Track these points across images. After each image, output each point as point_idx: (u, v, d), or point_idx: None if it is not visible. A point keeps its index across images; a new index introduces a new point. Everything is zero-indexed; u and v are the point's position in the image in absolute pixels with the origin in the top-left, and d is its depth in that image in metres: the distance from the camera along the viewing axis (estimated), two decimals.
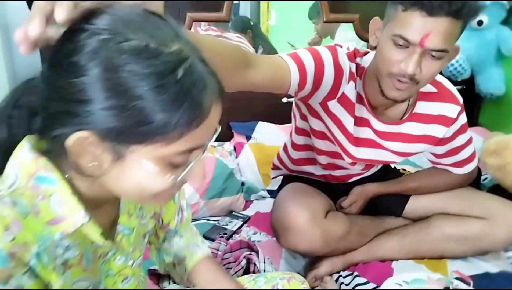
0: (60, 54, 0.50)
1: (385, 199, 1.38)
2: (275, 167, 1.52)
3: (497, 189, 1.52)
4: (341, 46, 1.14)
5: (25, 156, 0.55)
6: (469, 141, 1.26)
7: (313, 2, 2.65)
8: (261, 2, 3.92)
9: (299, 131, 1.34)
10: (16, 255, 0.49)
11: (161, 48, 0.49)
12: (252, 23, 3.34)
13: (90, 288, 0.63)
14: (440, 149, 1.25)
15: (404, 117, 1.18)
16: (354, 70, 1.13)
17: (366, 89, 1.14)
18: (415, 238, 1.31)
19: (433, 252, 1.30)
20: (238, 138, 1.80)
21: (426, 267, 1.27)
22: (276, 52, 3.10)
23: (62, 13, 0.47)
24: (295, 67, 1.03)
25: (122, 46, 0.48)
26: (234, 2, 1.86)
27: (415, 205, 1.38)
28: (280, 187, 1.44)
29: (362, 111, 1.18)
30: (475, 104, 2.14)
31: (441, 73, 1.99)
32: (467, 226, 1.27)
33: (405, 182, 1.38)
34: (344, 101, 1.14)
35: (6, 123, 0.57)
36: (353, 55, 1.15)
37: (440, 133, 1.19)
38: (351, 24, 2.06)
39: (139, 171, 0.53)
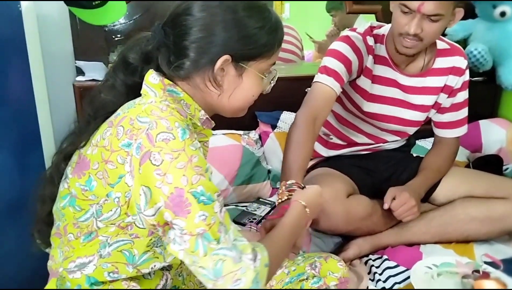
0: None
1: None
2: None
3: None
4: (354, 30, 1.39)
5: (154, 79, 0.81)
6: (467, 102, 1.45)
7: None
8: None
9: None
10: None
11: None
12: None
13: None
14: (448, 101, 1.43)
15: (423, 71, 1.39)
16: (372, 42, 1.38)
17: (388, 49, 1.38)
18: (441, 220, 1.35)
19: (458, 233, 1.35)
20: (263, 127, 1.82)
21: (454, 251, 1.30)
22: None
23: None
24: (330, 79, 1.29)
25: None
26: None
27: (440, 191, 1.43)
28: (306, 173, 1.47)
29: (387, 72, 1.39)
30: (496, 95, 2.15)
31: None
32: (491, 206, 1.33)
33: (427, 174, 1.41)
34: (366, 72, 1.38)
35: (122, 71, 0.85)
36: (369, 30, 1.40)
37: (454, 82, 1.40)
38: (368, 16, 2.07)
39: (251, 80, 0.83)
